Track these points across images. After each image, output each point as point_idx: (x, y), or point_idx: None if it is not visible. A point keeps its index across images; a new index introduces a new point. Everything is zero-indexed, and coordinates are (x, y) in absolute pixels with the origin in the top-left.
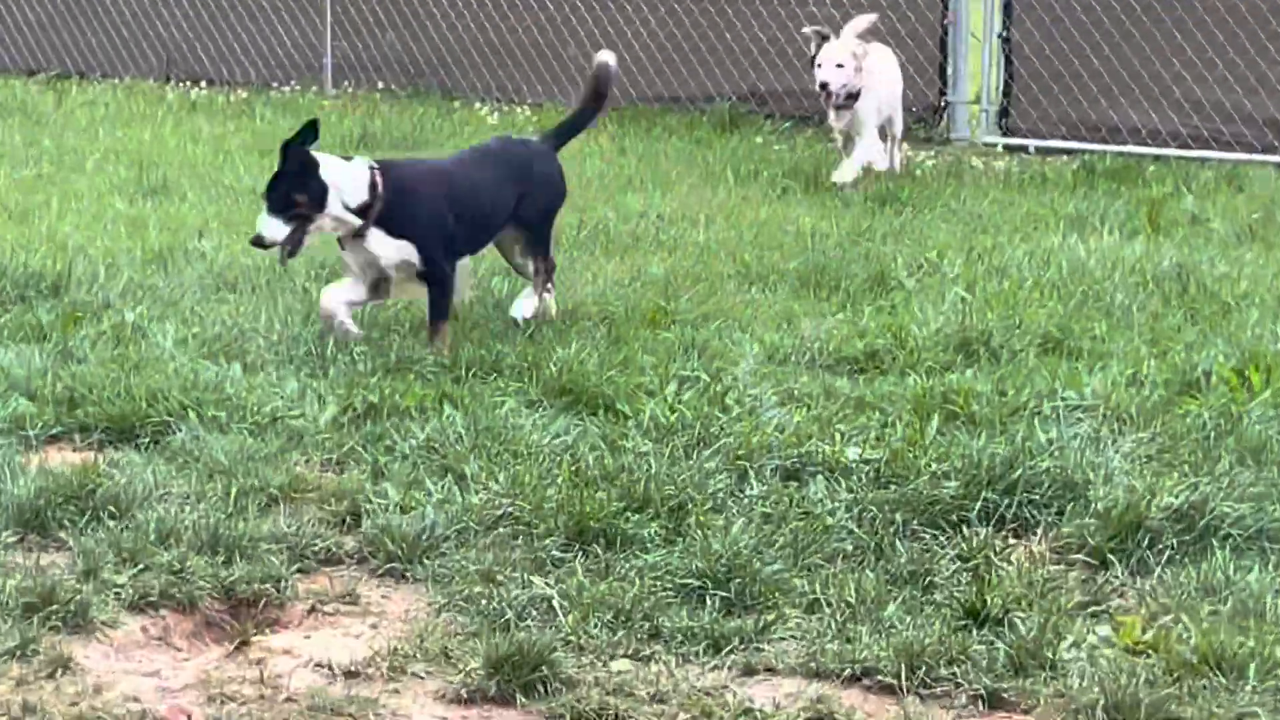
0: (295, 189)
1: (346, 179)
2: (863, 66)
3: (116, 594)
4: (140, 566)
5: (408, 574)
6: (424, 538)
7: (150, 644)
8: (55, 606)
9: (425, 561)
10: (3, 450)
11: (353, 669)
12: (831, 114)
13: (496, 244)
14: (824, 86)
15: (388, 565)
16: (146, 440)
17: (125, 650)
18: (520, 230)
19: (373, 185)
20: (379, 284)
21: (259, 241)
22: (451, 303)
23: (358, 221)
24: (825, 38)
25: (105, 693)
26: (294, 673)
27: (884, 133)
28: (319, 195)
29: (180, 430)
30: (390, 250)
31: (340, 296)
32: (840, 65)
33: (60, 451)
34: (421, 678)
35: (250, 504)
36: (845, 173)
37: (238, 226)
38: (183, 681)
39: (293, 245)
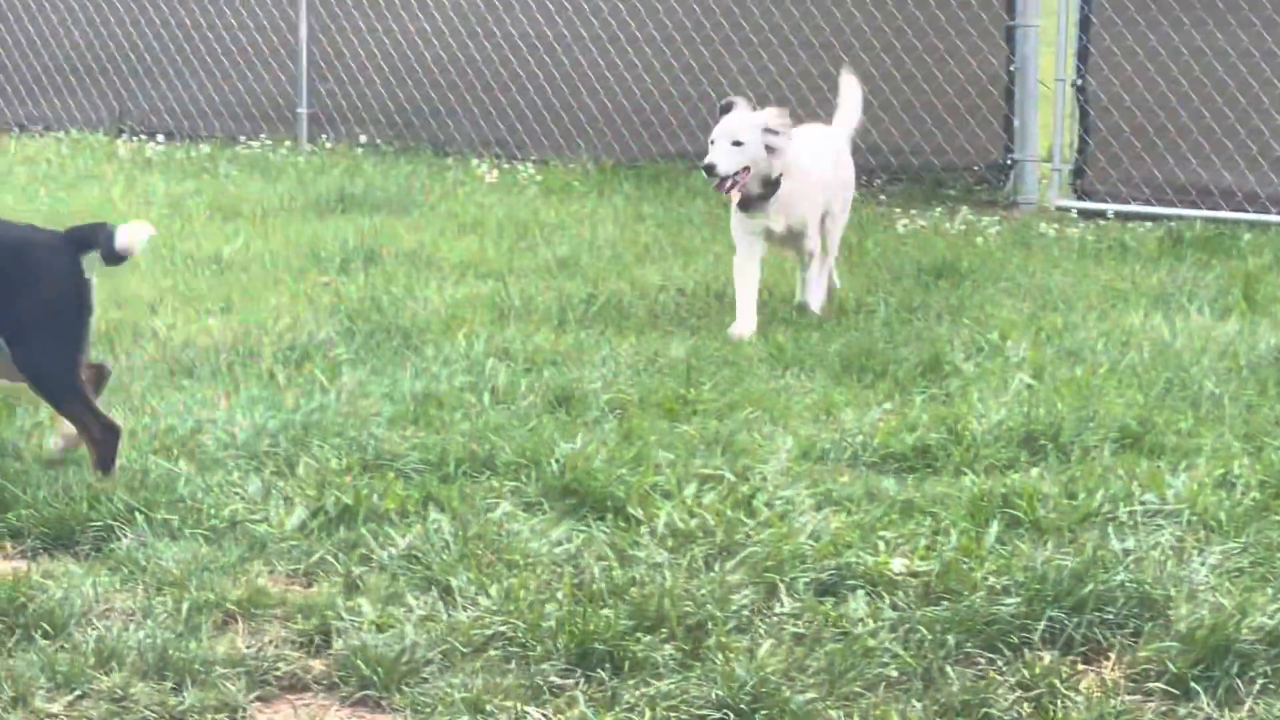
0: None
1: None
2: (780, 146)
3: None
4: (77, 693)
5: (384, 702)
6: (403, 661)
7: None
8: None
9: (404, 688)
10: None
11: None
12: (734, 215)
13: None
14: (708, 170)
15: (361, 692)
16: (87, 547)
17: None
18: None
19: None
20: None
21: None
22: None
23: None
24: (728, 108)
25: None
26: None
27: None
28: None
29: (125, 536)
30: None
31: None
32: (739, 144)
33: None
34: None
35: (204, 621)
36: (812, 292)
37: (196, 302)
38: None
39: None
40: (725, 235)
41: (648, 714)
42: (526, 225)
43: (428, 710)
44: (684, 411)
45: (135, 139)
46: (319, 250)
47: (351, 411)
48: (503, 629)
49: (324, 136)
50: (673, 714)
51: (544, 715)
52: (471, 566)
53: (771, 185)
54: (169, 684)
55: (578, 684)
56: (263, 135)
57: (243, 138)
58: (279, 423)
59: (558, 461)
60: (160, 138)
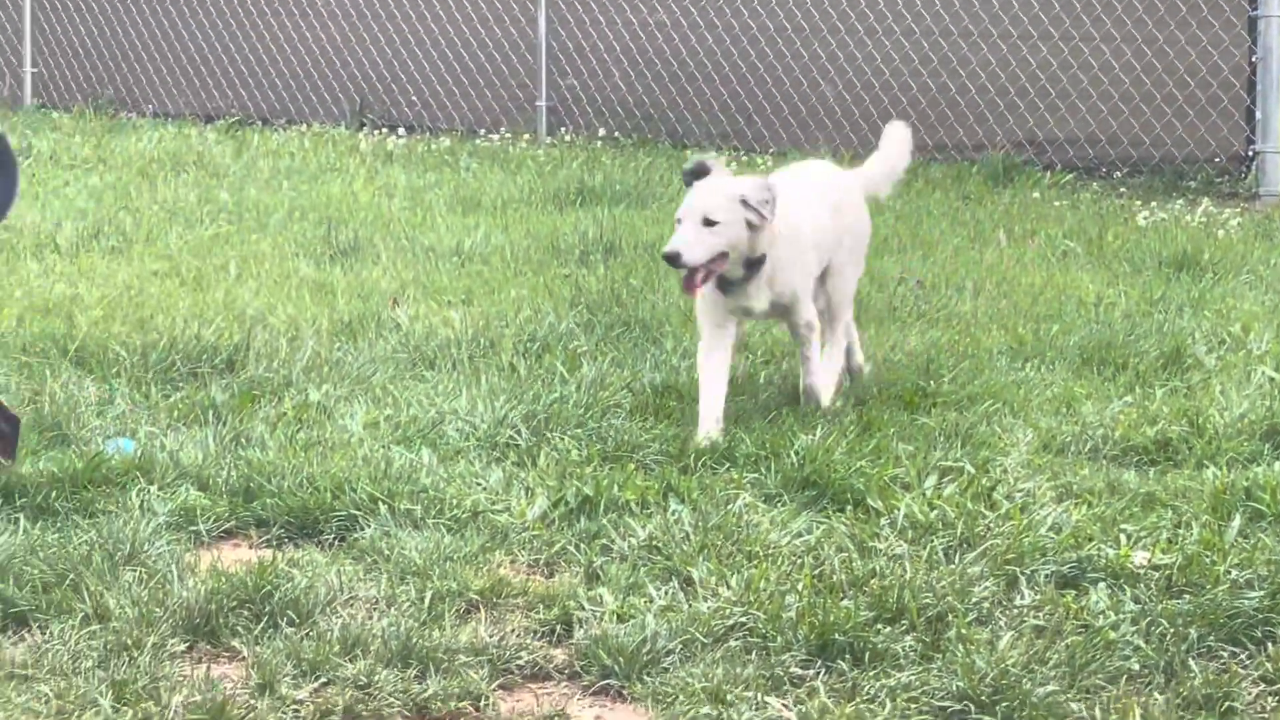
0: None
1: None
2: (767, 216)
3: (295, 711)
4: (322, 680)
5: (625, 692)
6: (644, 650)
7: None
8: None
9: (645, 678)
10: (170, 548)
11: None
12: (702, 298)
13: None
14: (670, 260)
15: (602, 682)
16: (331, 537)
17: None
18: None
19: None
20: None
21: None
22: None
23: None
24: (698, 173)
25: None
26: None
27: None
28: None
29: (369, 525)
30: None
31: None
32: (712, 223)
33: (234, 549)
34: None
35: (447, 610)
36: (816, 375)
37: (437, 293)
38: None
39: None
40: (964, 227)
41: (888, 705)
42: None
43: (669, 700)
44: (923, 403)
45: (376, 132)
46: (558, 242)
47: (592, 403)
48: (743, 620)
49: (563, 129)
50: (913, 705)
51: (784, 706)
52: (712, 557)
53: (755, 263)
54: (413, 671)
55: (818, 675)
56: (502, 129)
57: (482, 131)
58: (520, 413)
59: (797, 453)
60: (401, 131)
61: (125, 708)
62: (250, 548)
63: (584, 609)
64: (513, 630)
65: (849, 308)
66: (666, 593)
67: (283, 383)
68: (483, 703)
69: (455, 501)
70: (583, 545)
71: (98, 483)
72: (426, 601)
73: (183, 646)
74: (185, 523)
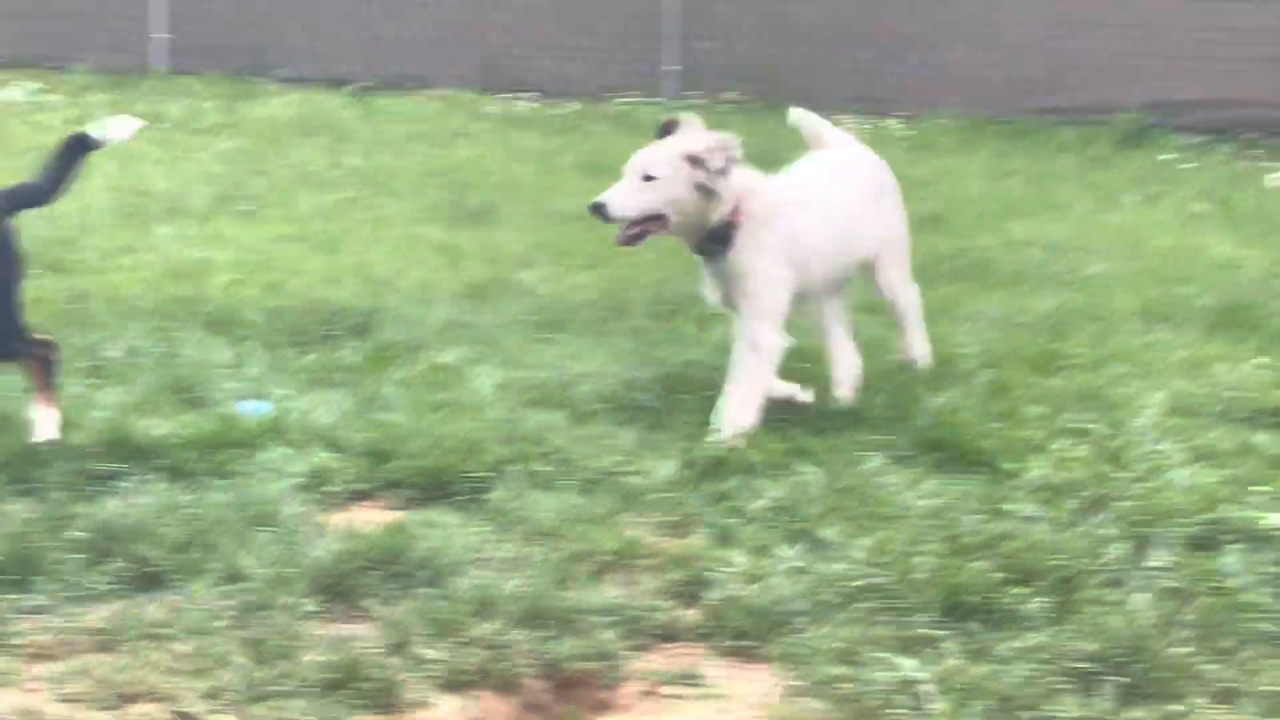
0: None
1: None
2: (718, 176)
3: (428, 670)
4: (454, 640)
5: (756, 652)
6: (775, 611)
7: None
8: (360, 684)
9: (776, 638)
10: (304, 509)
11: None
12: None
13: None
14: (595, 211)
15: (733, 642)
16: (462, 498)
17: None
18: None
19: None
20: None
21: None
22: None
23: None
24: (668, 130)
25: None
26: None
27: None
28: None
29: (500, 487)
30: None
31: None
32: (650, 178)
33: (367, 510)
34: None
35: (579, 571)
36: (730, 412)
37: (567, 257)
38: None
39: None
40: (1094, 190)
41: (1019, 666)
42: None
43: (800, 660)
44: (1053, 366)
45: (504, 97)
46: None
47: (722, 364)
48: (874, 581)
49: (691, 93)
50: (1044, 667)
51: (915, 666)
52: (842, 518)
53: (720, 237)
54: (545, 631)
55: (949, 635)
56: (630, 92)
57: (610, 95)
58: (650, 375)
59: (927, 415)
60: (529, 95)
61: (260, 665)
62: (382, 509)
63: (714, 570)
64: (644, 591)
65: (914, 313)
66: (796, 554)
67: (414, 345)
68: (614, 663)
69: (586, 463)
70: (713, 507)
71: (231, 444)
72: (558, 562)
73: (316, 606)
74: (318, 484)
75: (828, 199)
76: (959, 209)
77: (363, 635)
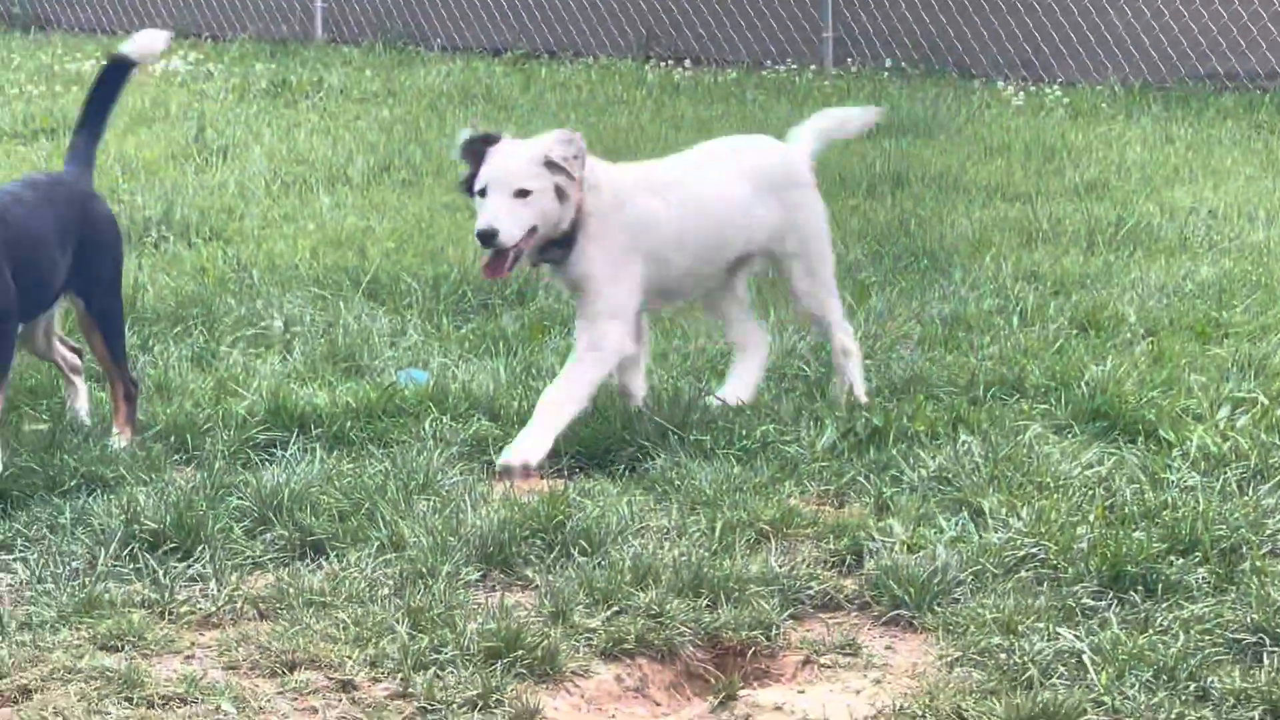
0: None
1: None
2: (575, 174)
3: (588, 639)
4: (614, 609)
5: (915, 622)
6: (935, 581)
7: (625, 695)
8: (521, 652)
9: (936, 608)
10: (464, 477)
11: None
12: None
13: (24, 337)
14: (485, 239)
15: (893, 612)
16: (621, 467)
17: (597, 702)
18: (80, 304)
19: None
20: None
21: None
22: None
23: None
24: (487, 142)
25: None
26: None
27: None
28: None
29: (659, 456)
30: None
31: None
32: (524, 193)
33: (526, 479)
34: None
35: (737, 540)
36: (527, 442)
37: None
38: None
39: None
40: (1257, 156)
41: (1181, 637)
42: (1053, 148)
43: (960, 630)
44: (1215, 334)
45: (663, 64)
46: (846, 173)
47: (881, 334)
48: (1034, 551)
49: (849, 60)
50: (1206, 637)
51: (1076, 637)
52: (1002, 488)
53: (564, 243)
54: (704, 601)
55: (1110, 606)
56: (788, 60)
57: (768, 62)
58: (809, 345)
59: (1088, 384)
60: (687, 63)
61: (421, 634)
62: (542, 477)
63: (874, 539)
64: (803, 560)
65: (833, 303)
66: (957, 523)
67: (572, 314)
68: (774, 632)
69: (745, 432)
70: (872, 476)
71: (391, 413)
72: (717, 531)
73: (476, 575)
74: (478, 452)
75: (693, 184)
76: (1119, 176)
77: (523, 604)
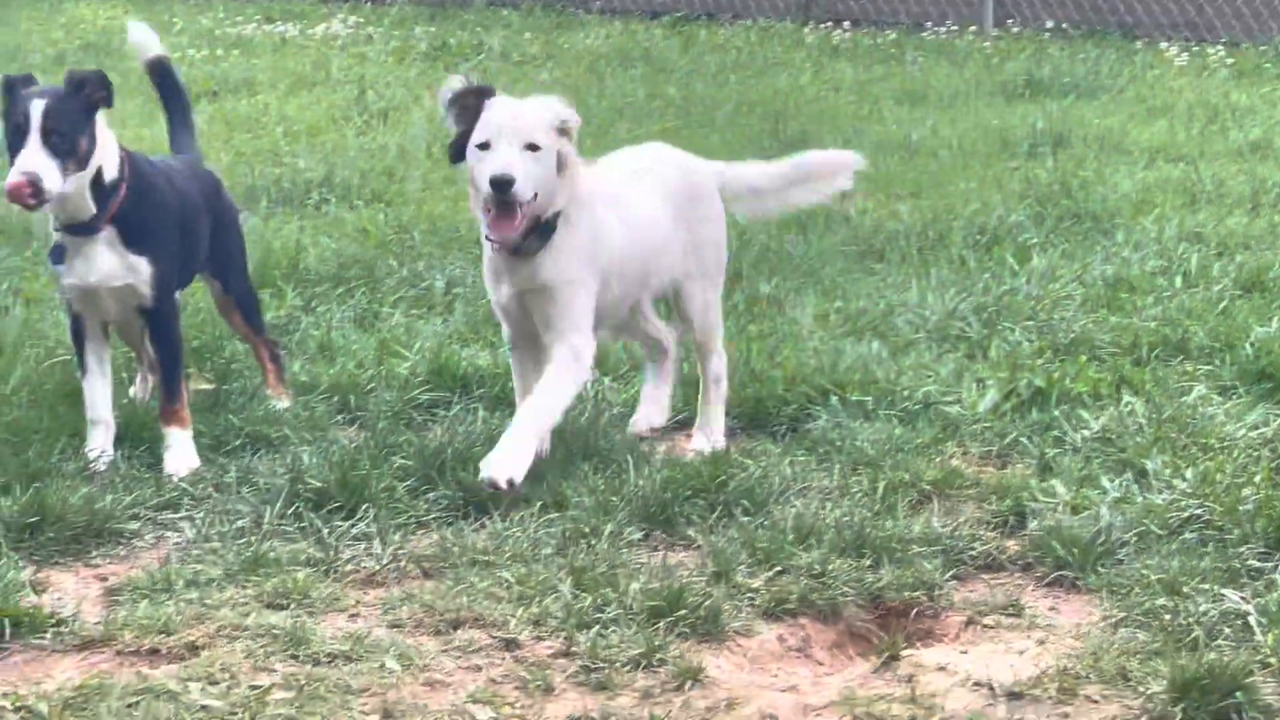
0: (77, 124)
1: (111, 144)
2: (572, 158)
3: (750, 599)
4: (776, 569)
5: (1079, 583)
6: (1098, 542)
7: (788, 655)
8: (683, 611)
9: (1099, 569)
10: (626, 438)
11: (1016, 689)
12: (488, 263)
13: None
14: (501, 186)
15: (1056, 573)
16: (782, 427)
17: (760, 661)
18: (218, 283)
19: (122, 165)
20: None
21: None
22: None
23: (92, 209)
24: (483, 92)
25: (739, 708)
26: (950, 692)
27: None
28: (89, 145)
29: (820, 417)
30: (117, 267)
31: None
32: (534, 148)
33: (688, 440)
34: (1096, 701)
35: (899, 500)
36: (505, 450)
37: (886, 186)
38: (825, 698)
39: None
40: None
41: None
42: (1217, 108)
43: (1124, 591)
44: None
45: (821, 26)
46: (1006, 135)
47: (1042, 295)
48: (1199, 512)
49: (1010, 21)
50: None
51: (1241, 598)
52: (1166, 449)
53: (548, 228)
54: (866, 561)
55: (1276, 568)
56: (948, 21)
57: (928, 24)
58: (970, 305)
59: (1253, 345)
60: (846, 25)
61: (584, 593)
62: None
63: (1037, 500)
64: (965, 521)
65: (719, 329)
66: (1120, 485)
67: (732, 275)
68: (936, 593)
69: (906, 393)
70: (1035, 437)
71: None
72: (879, 492)
73: (639, 534)
74: None
75: (631, 203)
76: None
77: (685, 563)
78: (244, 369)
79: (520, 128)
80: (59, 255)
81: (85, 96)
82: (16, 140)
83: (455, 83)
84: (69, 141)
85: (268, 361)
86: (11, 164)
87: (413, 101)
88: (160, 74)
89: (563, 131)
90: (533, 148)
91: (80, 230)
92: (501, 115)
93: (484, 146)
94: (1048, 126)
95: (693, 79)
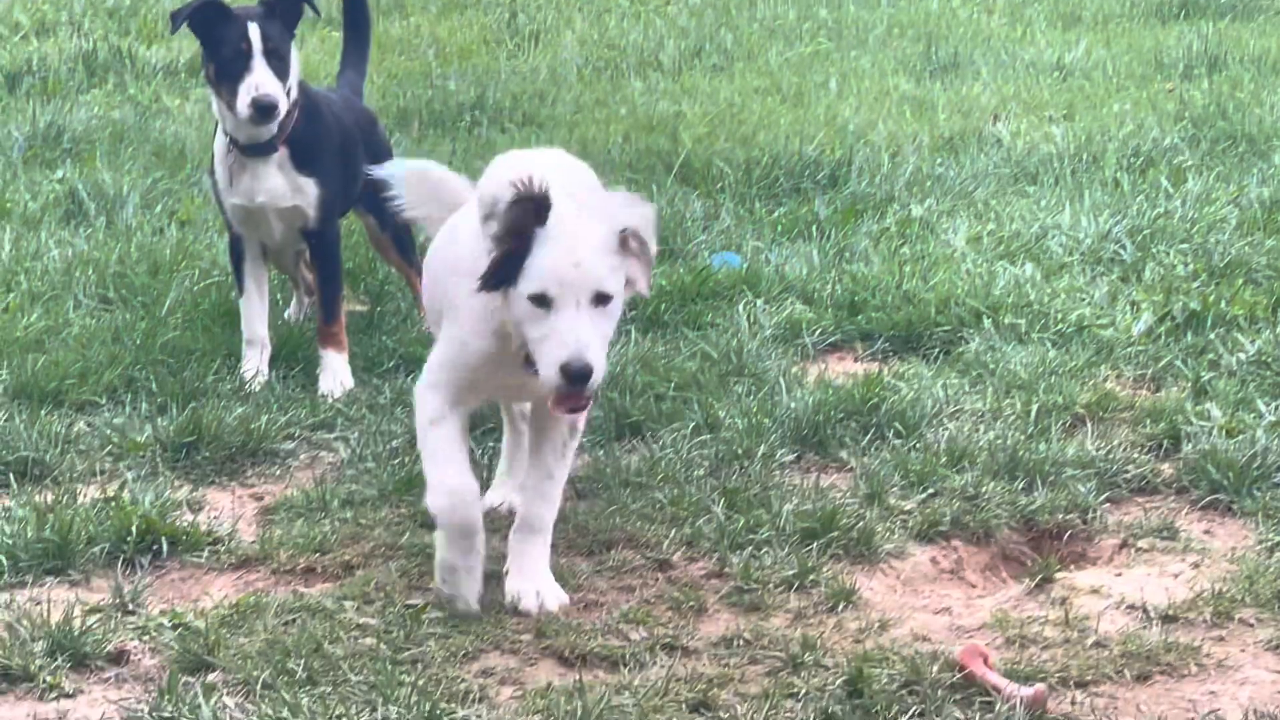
0: (285, 44)
1: (296, 65)
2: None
3: (903, 521)
4: (929, 491)
5: (1234, 506)
6: (1254, 466)
7: (940, 577)
8: (836, 533)
9: (1255, 493)
10: (780, 360)
11: (1171, 613)
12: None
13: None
14: (579, 378)
15: (1211, 496)
16: (935, 350)
17: (912, 583)
18: (372, 219)
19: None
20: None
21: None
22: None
23: (274, 129)
24: (541, 203)
25: (891, 629)
26: (1103, 614)
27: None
28: (288, 63)
29: (973, 340)
30: (285, 188)
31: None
32: (604, 299)
33: (840, 361)
34: (1250, 625)
35: (1053, 423)
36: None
37: (1039, 108)
38: (977, 620)
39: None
40: None
41: None
42: None
43: (1279, 515)
44: None
45: None
46: (1161, 56)
47: (1198, 217)
48: None
49: None
50: None
51: None
52: None
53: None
54: (1019, 484)
55: None
56: None
57: None
58: (1124, 228)
59: None
60: None
61: (736, 514)
62: (855, 360)
63: (1191, 423)
64: (1119, 444)
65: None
66: (1276, 408)
67: (884, 198)
68: (1090, 515)
69: (1060, 316)
70: (1189, 360)
71: (705, 296)
72: (1032, 415)
73: (791, 456)
74: (792, 335)
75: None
76: None
77: (838, 485)
78: (397, 291)
79: (588, 277)
80: (228, 176)
81: (284, 15)
82: (237, 62)
83: (505, 190)
84: (284, 62)
85: (419, 284)
86: (229, 85)
87: (564, 24)
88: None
89: (631, 246)
90: (603, 300)
91: (257, 150)
92: (562, 257)
93: (541, 302)
94: (1203, 47)
95: (844, 1)
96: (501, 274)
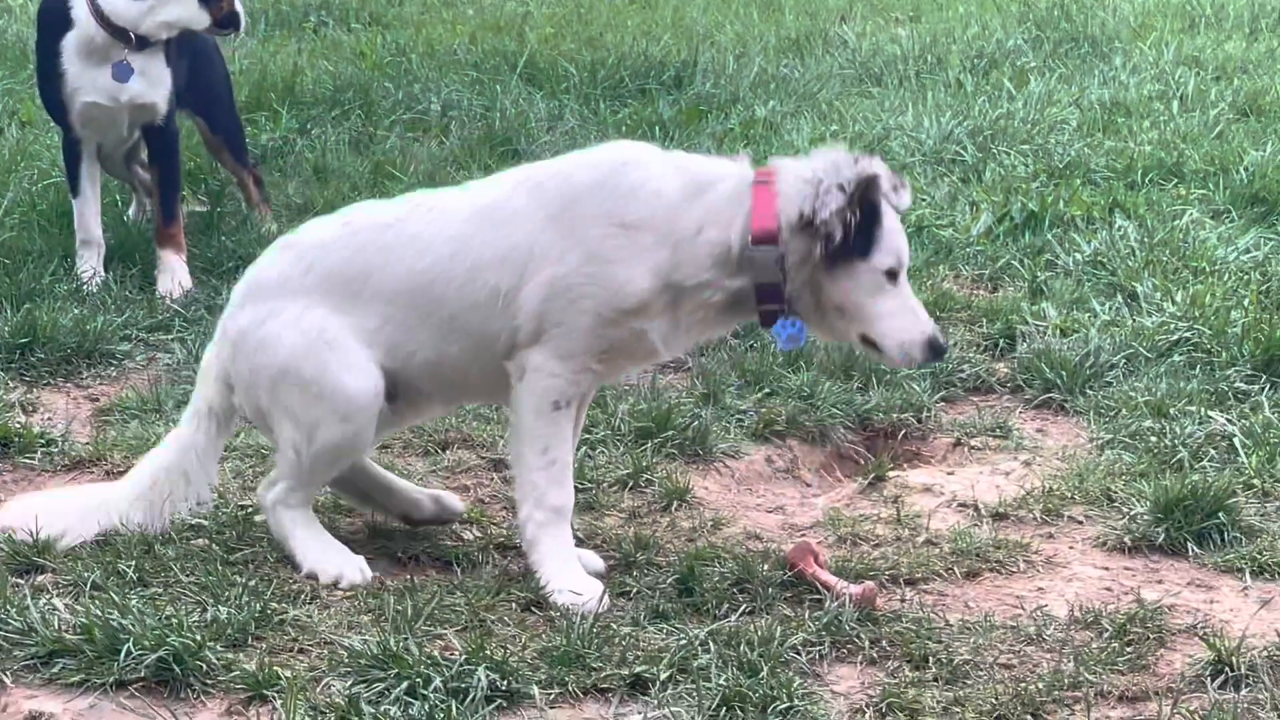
0: None
1: None
2: None
3: (739, 420)
4: (765, 391)
5: (1067, 405)
6: (1087, 365)
7: (775, 476)
8: (671, 432)
9: (1087, 392)
10: None
11: (1001, 510)
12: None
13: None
14: (941, 354)
15: (1044, 395)
16: None
17: (747, 482)
18: (202, 120)
19: None
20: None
21: None
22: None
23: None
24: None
25: (725, 528)
26: (935, 512)
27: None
28: None
29: None
30: (144, 84)
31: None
32: None
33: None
34: (1080, 522)
35: None
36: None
37: (885, 10)
38: (810, 519)
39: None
40: None
41: None
42: None
43: (1110, 414)
44: None
45: None
46: None
47: (1039, 119)
48: (1187, 335)
49: None
50: None
51: (1227, 420)
52: (1157, 272)
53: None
54: (855, 383)
55: (1262, 390)
56: None
57: None
58: (966, 129)
59: (1247, 169)
60: None
61: None
62: None
63: (1027, 323)
64: (956, 344)
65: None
66: (1110, 308)
67: (729, 99)
68: (924, 415)
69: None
70: (1027, 260)
71: None
72: None
73: None
74: None
75: None
76: None
77: (675, 385)
78: (236, 192)
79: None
80: (125, 72)
81: None
82: None
83: (878, 165)
84: None
85: (251, 185)
86: None
87: None
88: None
89: None
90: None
91: (145, 44)
92: (904, 238)
93: (893, 276)
94: None
95: None
96: (863, 238)
